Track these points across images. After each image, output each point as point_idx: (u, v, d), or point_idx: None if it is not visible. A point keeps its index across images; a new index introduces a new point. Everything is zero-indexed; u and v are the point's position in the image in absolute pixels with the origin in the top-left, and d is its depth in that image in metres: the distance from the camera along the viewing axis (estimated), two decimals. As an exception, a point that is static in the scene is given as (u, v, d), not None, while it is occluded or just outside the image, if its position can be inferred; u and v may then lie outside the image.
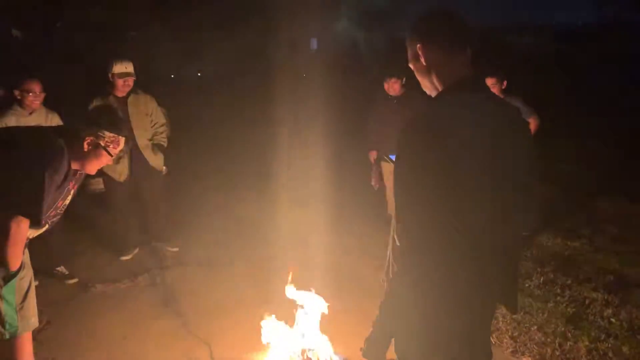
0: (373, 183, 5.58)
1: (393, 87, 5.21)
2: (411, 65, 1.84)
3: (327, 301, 3.09)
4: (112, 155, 2.75)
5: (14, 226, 2.42)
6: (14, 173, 2.45)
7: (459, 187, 1.58)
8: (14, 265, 2.51)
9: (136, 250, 4.94)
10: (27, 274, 2.71)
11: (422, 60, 1.76)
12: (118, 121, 2.80)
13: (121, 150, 4.45)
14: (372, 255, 4.86)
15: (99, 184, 5.18)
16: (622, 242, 5.12)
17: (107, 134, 2.68)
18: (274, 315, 3.17)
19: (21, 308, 2.65)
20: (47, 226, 2.69)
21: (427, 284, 1.66)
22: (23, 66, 6.77)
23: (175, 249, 5.02)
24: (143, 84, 4.74)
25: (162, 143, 4.80)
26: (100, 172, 4.59)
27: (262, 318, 3.17)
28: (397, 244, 1.70)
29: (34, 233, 2.64)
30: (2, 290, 2.53)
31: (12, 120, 3.86)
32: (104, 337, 3.56)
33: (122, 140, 2.79)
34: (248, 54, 19.81)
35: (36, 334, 3.23)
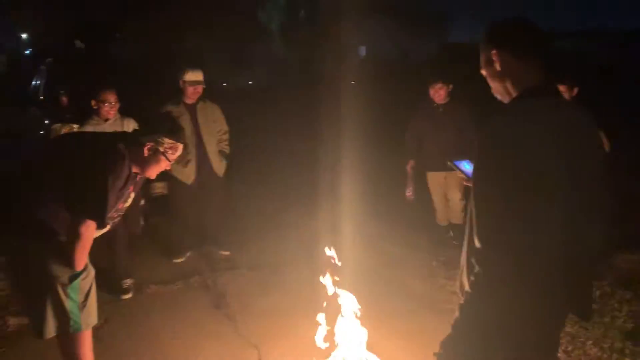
0: (407, 194, 5.47)
1: (439, 92, 5.09)
2: (484, 71, 1.86)
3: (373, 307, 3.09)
4: (170, 161, 2.87)
5: (83, 229, 2.55)
6: (80, 178, 2.59)
7: (535, 192, 1.58)
8: (79, 266, 2.65)
9: (189, 253, 5.10)
10: (89, 274, 2.84)
11: (497, 66, 1.78)
12: (176, 129, 2.93)
13: (189, 154, 4.69)
14: (418, 264, 4.83)
15: (163, 189, 5.37)
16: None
17: (166, 140, 2.81)
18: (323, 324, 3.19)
19: (84, 306, 2.78)
20: (108, 227, 2.83)
21: (505, 287, 1.65)
22: (93, 76, 7.12)
23: (227, 253, 5.15)
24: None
25: (226, 150, 5.01)
26: (166, 176, 4.86)
27: (311, 324, 3.20)
28: (478, 245, 1.68)
29: (96, 234, 2.78)
30: (67, 289, 2.68)
31: (90, 129, 4.05)
32: (156, 336, 3.68)
33: (180, 146, 2.91)
34: (297, 62, 20.08)
35: (95, 331, 3.37)
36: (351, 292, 3.21)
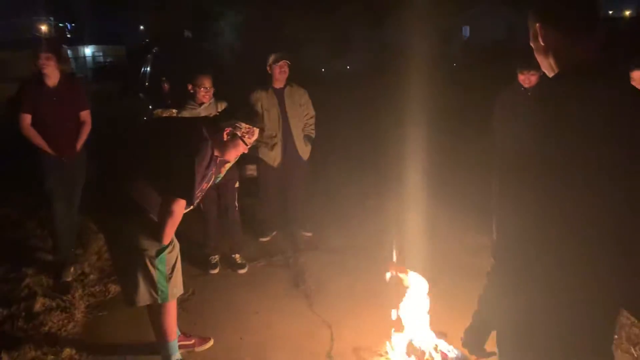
0: None
1: (529, 79, 4.75)
2: (532, 44, 1.77)
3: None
4: (247, 145, 3.02)
5: (174, 207, 2.77)
6: (170, 160, 2.81)
7: (564, 173, 1.49)
8: (167, 240, 2.88)
9: (274, 233, 5.30)
10: (175, 248, 3.07)
11: (540, 40, 1.69)
12: (253, 113, 3.06)
13: (275, 137, 4.87)
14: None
15: (254, 171, 5.61)
16: None
17: (243, 125, 2.96)
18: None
19: (170, 277, 3.01)
20: (193, 206, 3.03)
21: (523, 277, 1.58)
22: (191, 63, 7.54)
23: (310, 234, 5.29)
24: (297, 78, 5.13)
25: (311, 134, 5.13)
26: (256, 159, 5.09)
27: (383, 307, 3.23)
28: (494, 236, 1.64)
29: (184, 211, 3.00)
30: (155, 261, 2.92)
31: (186, 114, 4.30)
32: (238, 310, 3.88)
33: (257, 131, 3.05)
34: (398, 45, 19.76)
35: (181, 302, 3.66)
36: (424, 277, 3.19)
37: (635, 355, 3.14)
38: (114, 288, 4.13)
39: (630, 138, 1.54)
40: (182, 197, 2.77)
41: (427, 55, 13.61)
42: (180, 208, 2.79)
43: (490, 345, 1.81)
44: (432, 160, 6.39)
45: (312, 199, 5.87)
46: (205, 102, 4.39)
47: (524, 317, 1.64)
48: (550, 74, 1.70)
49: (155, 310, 3.09)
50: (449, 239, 5.03)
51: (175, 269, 3.05)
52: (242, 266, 4.57)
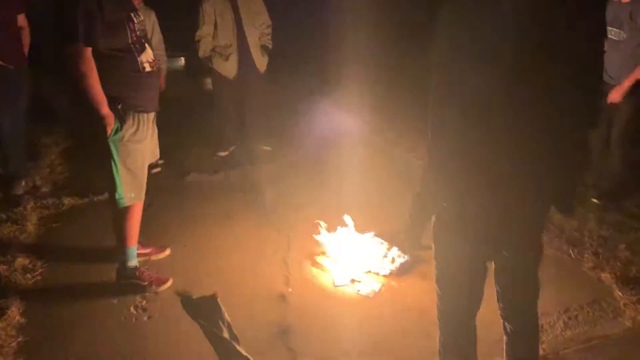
0: None
1: None
2: None
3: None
4: None
5: (75, 57, 2.58)
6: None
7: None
8: (99, 103, 2.66)
9: (232, 147, 5.24)
10: (146, 149, 2.96)
11: None
12: None
13: (230, 47, 4.65)
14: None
15: (210, 84, 5.43)
16: None
17: None
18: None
19: (128, 178, 2.89)
20: (148, 52, 2.86)
21: (461, 170, 1.64)
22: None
23: (268, 148, 5.25)
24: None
25: (268, 45, 4.94)
26: (210, 71, 4.90)
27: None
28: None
29: (146, 57, 2.83)
30: (111, 145, 2.79)
31: None
32: (195, 221, 3.88)
33: None
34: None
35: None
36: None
37: (573, 256, 3.34)
38: (68, 201, 4.08)
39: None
40: (69, 39, 2.58)
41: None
42: (82, 56, 2.59)
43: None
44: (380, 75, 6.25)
45: (271, 113, 5.76)
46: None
47: (459, 209, 1.71)
48: None
49: (119, 213, 3.03)
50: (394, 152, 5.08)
51: (133, 172, 2.92)
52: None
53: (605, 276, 3.14)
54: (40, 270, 3.24)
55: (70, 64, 2.62)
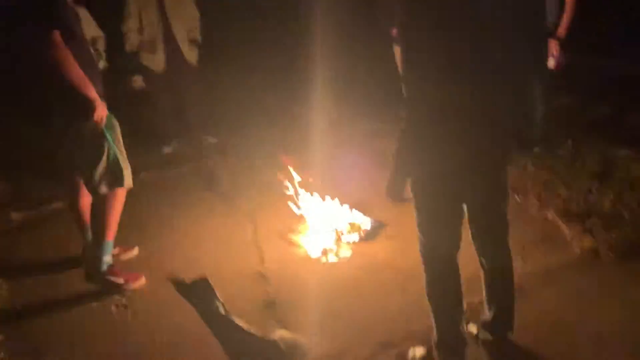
0: None
1: None
2: None
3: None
4: None
5: (49, 40, 2.57)
6: None
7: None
8: (88, 88, 2.69)
9: (175, 142, 5.18)
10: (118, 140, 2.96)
11: None
12: None
13: (156, 40, 4.57)
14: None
15: (139, 81, 5.34)
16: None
17: None
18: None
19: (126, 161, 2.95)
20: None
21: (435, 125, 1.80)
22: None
23: (215, 140, 5.24)
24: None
25: (197, 38, 4.89)
26: (140, 68, 4.80)
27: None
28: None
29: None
30: (112, 141, 2.84)
31: None
32: (164, 217, 3.86)
33: None
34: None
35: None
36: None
37: (520, 201, 3.64)
38: (16, 216, 3.95)
39: None
40: (48, 24, 2.58)
41: None
42: (53, 38, 2.58)
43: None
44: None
45: (214, 104, 5.71)
46: None
47: (434, 159, 1.88)
48: None
49: (103, 203, 2.98)
50: (344, 127, 5.23)
51: (124, 153, 2.96)
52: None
53: (551, 214, 3.47)
54: (5, 288, 3.11)
55: (47, 53, 2.58)
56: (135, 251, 3.43)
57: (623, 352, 2.35)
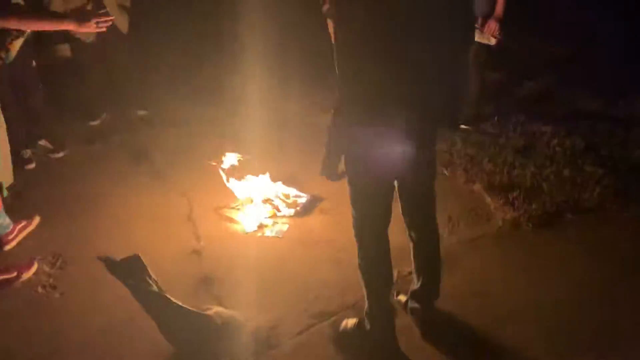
0: None
1: None
2: None
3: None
4: None
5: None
6: None
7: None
8: (58, 20, 2.88)
9: (104, 115, 4.98)
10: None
11: None
12: None
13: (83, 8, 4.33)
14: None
15: (67, 51, 5.05)
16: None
17: None
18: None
19: None
20: None
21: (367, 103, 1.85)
22: None
23: (144, 112, 5.06)
24: None
25: (126, 3, 4.66)
26: (67, 37, 4.54)
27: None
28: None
29: None
30: None
31: None
32: (84, 196, 3.70)
33: None
34: None
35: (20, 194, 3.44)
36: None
37: (447, 174, 3.80)
38: None
39: None
40: None
41: None
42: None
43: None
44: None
45: (143, 75, 5.49)
46: None
47: (367, 134, 1.93)
48: None
49: None
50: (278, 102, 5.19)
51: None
52: (53, 151, 4.31)
53: (476, 187, 3.64)
54: None
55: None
56: (36, 220, 3.30)
57: (540, 314, 2.54)
